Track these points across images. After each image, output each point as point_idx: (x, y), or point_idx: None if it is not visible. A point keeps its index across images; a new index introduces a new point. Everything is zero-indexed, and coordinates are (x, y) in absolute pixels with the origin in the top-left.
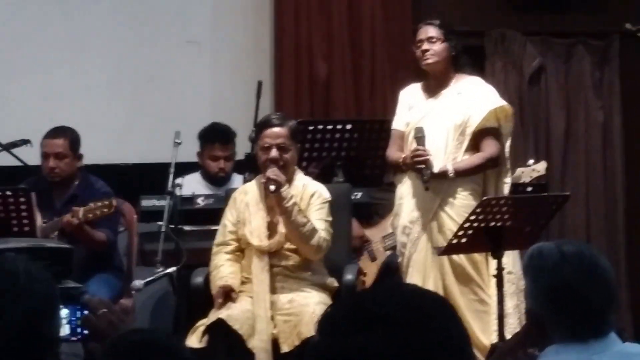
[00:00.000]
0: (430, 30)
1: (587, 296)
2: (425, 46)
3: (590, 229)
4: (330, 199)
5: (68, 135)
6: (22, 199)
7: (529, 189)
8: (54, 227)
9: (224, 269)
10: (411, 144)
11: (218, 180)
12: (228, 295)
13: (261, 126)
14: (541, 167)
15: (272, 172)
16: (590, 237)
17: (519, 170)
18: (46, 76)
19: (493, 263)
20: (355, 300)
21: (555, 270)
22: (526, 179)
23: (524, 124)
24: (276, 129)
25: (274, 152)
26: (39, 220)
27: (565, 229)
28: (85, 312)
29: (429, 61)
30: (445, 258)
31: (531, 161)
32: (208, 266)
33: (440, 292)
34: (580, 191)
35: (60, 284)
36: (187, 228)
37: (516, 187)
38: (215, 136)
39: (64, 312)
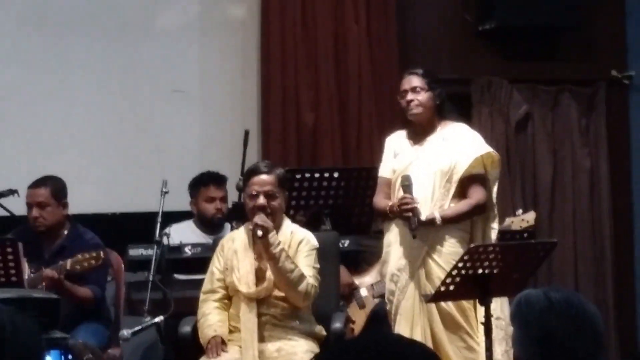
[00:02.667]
0: (414, 80)
1: (575, 345)
2: (410, 96)
3: (578, 275)
4: (317, 246)
5: (49, 184)
6: (9, 249)
7: (517, 237)
8: (41, 278)
9: (211, 317)
10: (398, 192)
11: (214, 225)
12: (218, 346)
13: (249, 174)
14: (530, 217)
15: (260, 218)
16: (579, 283)
17: (508, 220)
18: (33, 126)
19: (481, 310)
20: (341, 350)
21: (543, 319)
22: (515, 228)
23: (511, 171)
24: (264, 177)
25: (261, 200)
26: (26, 270)
27: (553, 274)
28: (70, 357)
29: (414, 111)
30: (433, 305)
31: (520, 211)
32: (196, 315)
33: (429, 339)
34: (567, 237)
35: (47, 334)
36: (175, 277)
37: (504, 234)
38: (209, 178)
39: (48, 359)
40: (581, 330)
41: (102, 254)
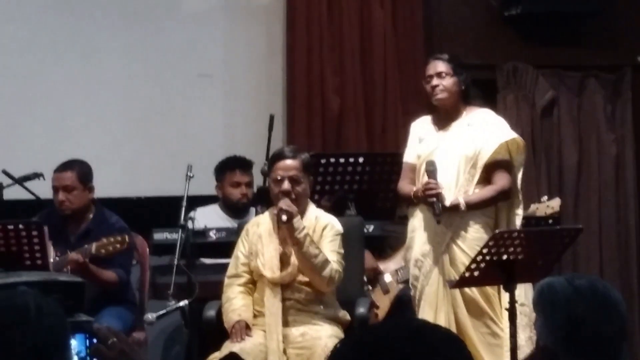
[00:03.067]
0: (439, 65)
1: (601, 330)
2: (435, 81)
3: (603, 261)
4: (342, 231)
5: (76, 167)
6: (34, 233)
7: (542, 222)
8: (66, 261)
9: (236, 301)
10: (423, 177)
11: (239, 209)
12: (243, 331)
13: (274, 158)
14: (555, 203)
15: (284, 202)
16: (603, 270)
17: (533, 207)
18: (59, 110)
19: (505, 296)
20: (364, 335)
21: (570, 306)
22: (540, 214)
23: (536, 157)
24: (288, 161)
25: (286, 184)
26: (52, 254)
27: (578, 261)
28: (95, 341)
29: (439, 97)
30: (457, 291)
31: (545, 197)
32: (220, 299)
33: (453, 325)
34: (592, 223)
35: (72, 318)
36: (199, 261)
37: (528, 220)
38: (235, 163)
39: (73, 342)
40: (606, 315)
41: (127, 237)
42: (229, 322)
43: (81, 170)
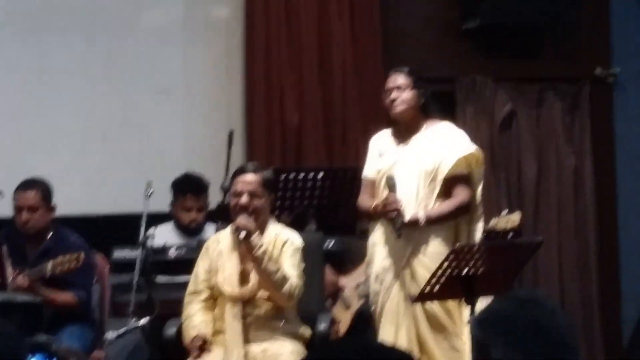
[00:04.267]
0: (399, 79)
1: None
2: (394, 94)
3: (563, 274)
4: (302, 246)
5: (40, 187)
6: None
7: (502, 236)
8: (14, 285)
9: (196, 318)
10: (383, 192)
11: (190, 230)
12: (202, 346)
13: (236, 173)
14: (515, 217)
15: (242, 219)
16: (564, 281)
17: (493, 221)
18: (17, 127)
19: (466, 310)
20: (324, 354)
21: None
22: (501, 228)
23: (495, 170)
24: (249, 176)
25: (244, 198)
26: (10, 273)
27: (538, 273)
28: None
29: (398, 109)
30: (418, 306)
31: (505, 211)
32: (181, 317)
33: (414, 340)
34: (552, 236)
35: (31, 338)
36: (159, 279)
37: (489, 234)
38: (188, 187)
39: None
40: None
41: (82, 255)
42: (188, 338)
43: (44, 190)
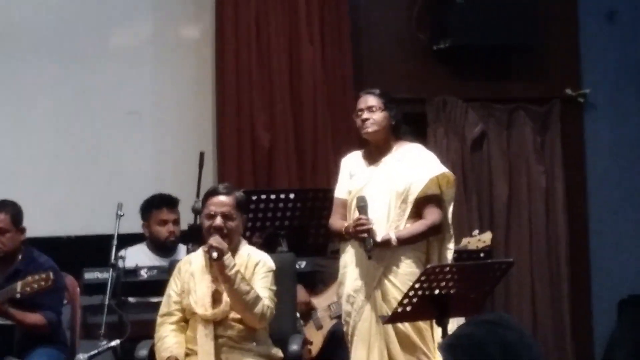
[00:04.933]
0: (370, 100)
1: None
2: (365, 115)
3: (535, 294)
4: (274, 268)
5: (9, 209)
6: None
7: (474, 256)
8: None
9: (168, 339)
10: (354, 213)
11: (167, 248)
12: None
13: (208, 194)
14: (487, 237)
15: (215, 240)
16: (535, 302)
17: (464, 240)
18: None
19: (438, 330)
20: None
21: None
22: (472, 248)
23: (466, 190)
24: (222, 198)
25: (218, 220)
26: None
27: (510, 294)
28: None
29: (369, 130)
30: (390, 326)
31: (476, 231)
32: (152, 338)
33: None
34: (524, 256)
35: None
36: (131, 300)
37: (460, 254)
38: (162, 201)
39: None
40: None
41: (51, 275)
42: None
43: (14, 212)
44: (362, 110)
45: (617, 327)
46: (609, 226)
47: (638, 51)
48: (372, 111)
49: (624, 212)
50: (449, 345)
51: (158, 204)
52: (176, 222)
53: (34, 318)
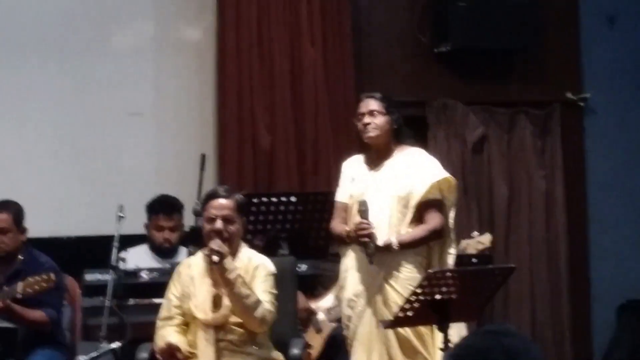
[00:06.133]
0: (372, 104)
1: None
2: (367, 119)
3: (535, 297)
4: (275, 271)
5: (11, 209)
6: None
7: (474, 260)
8: None
9: (170, 337)
10: (355, 217)
11: (164, 251)
12: (174, 355)
13: (208, 198)
14: (486, 239)
15: (215, 243)
16: (535, 305)
17: (463, 242)
18: None
19: (439, 335)
20: None
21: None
22: (471, 251)
23: (467, 193)
24: (222, 201)
25: (218, 224)
26: None
27: (510, 297)
28: None
29: (371, 134)
30: (390, 331)
31: (475, 233)
32: (153, 341)
33: None
34: (523, 259)
35: None
36: (131, 302)
37: (461, 258)
38: (159, 207)
39: None
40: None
41: (53, 275)
42: (162, 345)
43: (16, 212)
44: (363, 114)
45: (616, 331)
46: (608, 230)
47: (639, 55)
48: (373, 115)
49: (624, 217)
50: (454, 356)
51: (157, 210)
52: (174, 229)
53: (36, 314)
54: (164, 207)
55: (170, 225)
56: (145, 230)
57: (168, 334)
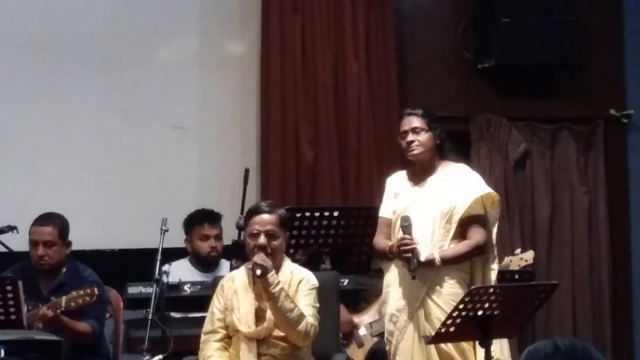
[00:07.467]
0: (414, 121)
1: None
2: (410, 137)
3: (576, 314)
4: (317, 285)
5: (57, 222)
6: (9, 288)
7: (517, 276)
8: (37, 316)
9: (213, 359)
10: (398, 233)
11: (209, 263)
12: None
13: (250, 213)
14: (529, 256)
15: (259, 257)
16: (576, 323)
17: (506, 259)
18: (32, 162)
19: (481, 351)
20: None
21: None
22: (514, 267)
23: (509, 209)
24: (265, 216)
25: (262, 239)
26: (24, 308)
27: (551, 317)
28: None
29: (415, 152)
30: (432, 347)
31: (518, 250)
32: (195, 354)
33: None
34: (565, 276)
35: None
36: (174, 315)
37: (503, 274)
38: (203, 216)
39: None
40: None
41: (96, 290)
42: None
43: (62, 225)
44: (406, 132)
45: None
46: None
47: None
48: (416, 133)
49: None
50: None
51: (200, 219)
52: (218, 237)
53: (81, 326)
54: (207, 216)
55: (215, 233)
56: (186, 245)
57: (211, 353)
